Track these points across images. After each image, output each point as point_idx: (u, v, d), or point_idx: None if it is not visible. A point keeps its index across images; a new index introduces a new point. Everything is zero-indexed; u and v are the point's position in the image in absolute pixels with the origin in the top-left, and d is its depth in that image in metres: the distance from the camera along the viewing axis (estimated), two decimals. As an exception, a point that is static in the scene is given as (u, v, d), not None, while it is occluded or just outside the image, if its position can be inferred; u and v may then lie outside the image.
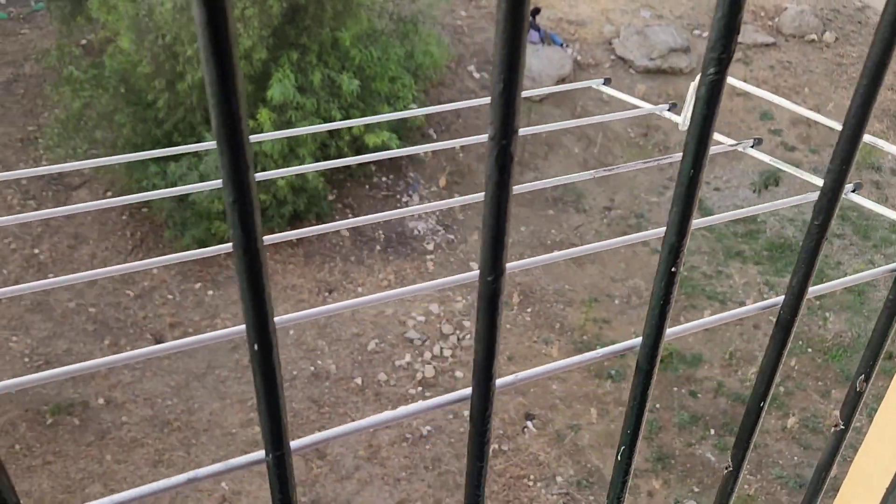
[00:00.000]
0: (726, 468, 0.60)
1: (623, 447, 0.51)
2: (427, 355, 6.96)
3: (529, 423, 6.56)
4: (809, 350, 7.41)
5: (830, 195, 0.47)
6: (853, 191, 0.79)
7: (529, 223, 8.36)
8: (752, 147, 0.91)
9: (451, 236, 8.16)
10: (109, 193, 7.63)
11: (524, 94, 0.36)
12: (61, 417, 5.95)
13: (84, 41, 8.99)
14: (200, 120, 7.26)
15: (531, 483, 6.18)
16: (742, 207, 8.96)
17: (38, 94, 8.52)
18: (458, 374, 6.86)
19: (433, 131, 9.06)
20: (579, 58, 10.34)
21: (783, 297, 0.51)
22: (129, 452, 5.84)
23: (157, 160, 7.13)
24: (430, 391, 6.70)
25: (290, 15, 7.19)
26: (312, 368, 6.65)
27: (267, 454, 0.38)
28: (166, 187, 7.15)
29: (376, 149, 8.12)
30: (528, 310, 7.46)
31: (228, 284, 7.13)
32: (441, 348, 7.03)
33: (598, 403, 6.72)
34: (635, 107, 0.94)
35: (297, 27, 7.29)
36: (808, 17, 11.52)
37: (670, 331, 0.47)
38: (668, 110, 1.09)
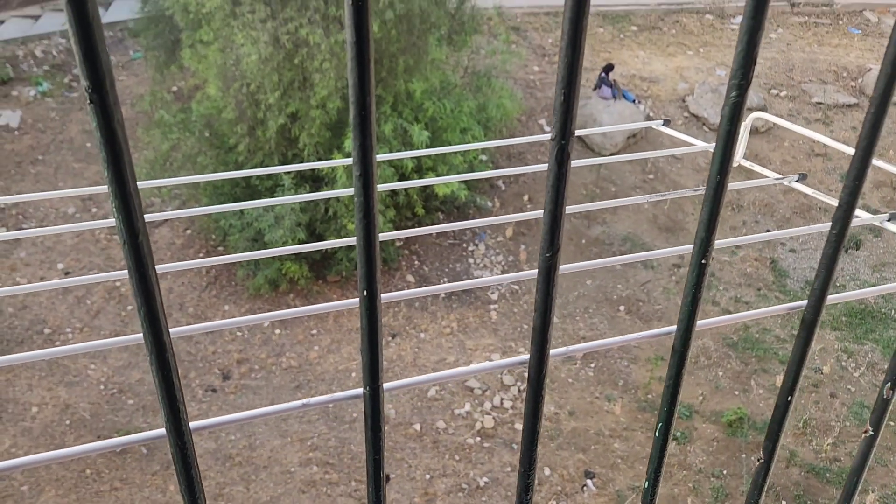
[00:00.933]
0: (758, 460, 0.67)
1: (660, 423, 0.59)
2: (487, 405, 6.97)
3: (589, 482, 6.46)
4: (892, 423, 7.09)
5: (846, 207, 0.56)
6: (888, 220, 0.85)
7: (595, 277, 8.36)
8: (797, 181, 0.99)
9: (516, 286, 8.23)
10: (189, 231, 8.05)
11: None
12: (130, 445, 6.21)
13: (175, 88, 9.62)
14: (277, 164, 7.62)
15: (589, 544, 6.06)
16: (819, 270, 8.74)
17: (131, 136, 9.12)
18: (518, 426, 6.84)
19: (501, 182, 9.24)
20: (651, 114, 10.41)
21: (807, 299, 0.59)
22: (190, 484, 6.02)
23: (234, 202, 7.52)
24: (488, 441, 6.69)
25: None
26: (372, 412, 6.77)
27: (365, 387, 0.49)
28: (242, 227, 7.45)
29: (445, 197, 8.32)
30: (592, 365, 7.42)
31: (295, 324, 7.36)
32: (501, 399, 7.04)
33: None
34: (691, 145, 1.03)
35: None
36: (893, 78, 11.32)
37: (701, 322, 0.56)
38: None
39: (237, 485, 6.12)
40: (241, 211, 7.35)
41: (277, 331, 7.34)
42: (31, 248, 7.93)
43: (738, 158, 1.11)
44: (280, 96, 7.28)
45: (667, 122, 1.20)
